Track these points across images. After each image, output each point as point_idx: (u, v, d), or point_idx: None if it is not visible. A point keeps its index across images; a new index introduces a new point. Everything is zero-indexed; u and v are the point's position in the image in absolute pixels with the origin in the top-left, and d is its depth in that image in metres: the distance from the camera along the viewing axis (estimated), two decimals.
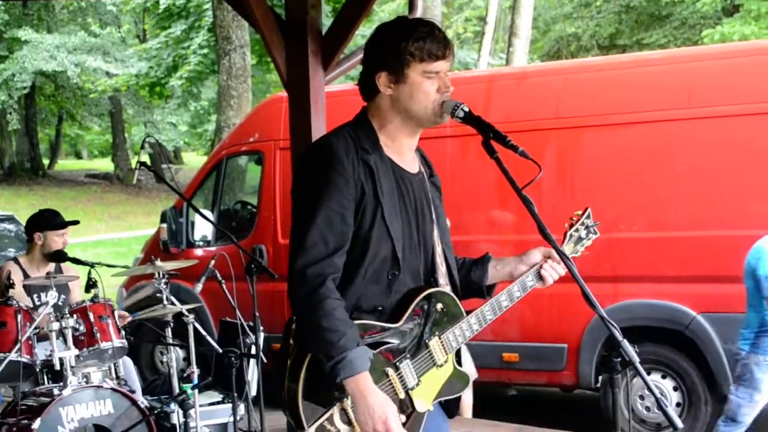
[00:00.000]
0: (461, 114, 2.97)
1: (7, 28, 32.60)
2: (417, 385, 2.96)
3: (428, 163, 3.32)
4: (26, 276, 6.77)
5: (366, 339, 2.86)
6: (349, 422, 2.82)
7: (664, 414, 2.78)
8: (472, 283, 3.31)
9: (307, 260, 2.83)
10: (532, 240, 3.26)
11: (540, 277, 3.22)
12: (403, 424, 2.91)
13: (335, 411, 2.82)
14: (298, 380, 2.79)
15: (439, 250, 3.17)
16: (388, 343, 2.93)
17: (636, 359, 2.79)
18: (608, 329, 2.83)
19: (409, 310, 2.97)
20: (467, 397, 7.07)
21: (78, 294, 7.05)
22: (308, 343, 2.84)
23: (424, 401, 2.99)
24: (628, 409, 6.68)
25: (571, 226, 3.39)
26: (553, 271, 3.22)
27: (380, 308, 2.96)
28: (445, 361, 3.06)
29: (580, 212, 3.43)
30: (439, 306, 3.06)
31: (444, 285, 3.14)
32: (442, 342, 3.03)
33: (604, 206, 7.24)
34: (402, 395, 2.92)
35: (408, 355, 2.96)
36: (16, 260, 6.98)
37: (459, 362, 3.15)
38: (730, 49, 8.73)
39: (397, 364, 2.93)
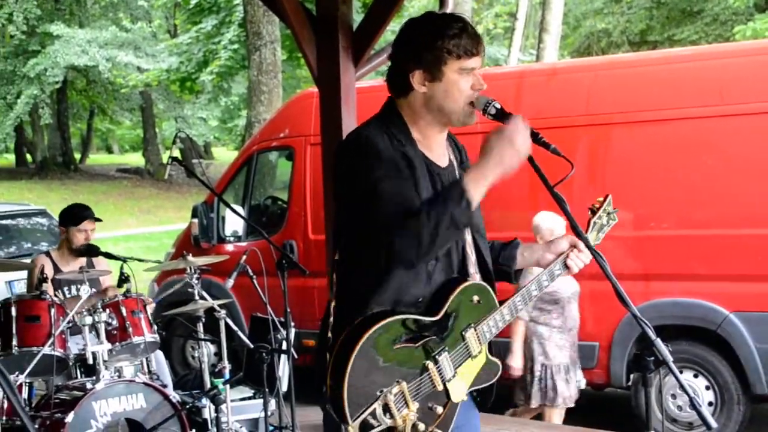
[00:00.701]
0: (493, 111, 2.96)
1: (39, 23, 32.82)
2: (453, 376, 2.97)
3: (459, 148, 3.33)
4: (58, 270, 6.81)
5: (407, 334, 2.86)
6: (392, 416, 2.82)
7: (697, 414, 2.77)
8: (500, 267, 3.31)
9: (393, 229, 2.78)
10: None
11: (566, 266, 3.23)
12: (439, 415, 2.93)
13: (378, 405, 2.80)
14: (344, 375, 2.76)
15: (468, 238, 3.16)
16: (429, 336, 2.92)
17: (669, 358, 2.78)
18: (641, 327, 2.82)
19: (447, 303, 2.97)
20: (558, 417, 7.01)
21: (109, 288, 7.07)
22: (442, 237, 2.80)
23: (460, 392, 3.00)
24: (661, 408, 6.64)
25: (594, 213, 3.37)
26: (579, 260, 3.22)
27: (420, 299, 2.96)
28: (479, 352, 3.06)
29: (601, 199, 3.40)
30: (476, 298, 3.06)
31: (474, 274, 3.14)
32: (477, 333, 3.04)
33: (636, 204, 7.20)
34: (440, 388, 2.93)
35: (446, 348, 2.96)
36: (48, 254, 6.98)
37: (491, 351, 3.14)
38: (762, 45, 8.65)
39: (436, 357, 2.93)
